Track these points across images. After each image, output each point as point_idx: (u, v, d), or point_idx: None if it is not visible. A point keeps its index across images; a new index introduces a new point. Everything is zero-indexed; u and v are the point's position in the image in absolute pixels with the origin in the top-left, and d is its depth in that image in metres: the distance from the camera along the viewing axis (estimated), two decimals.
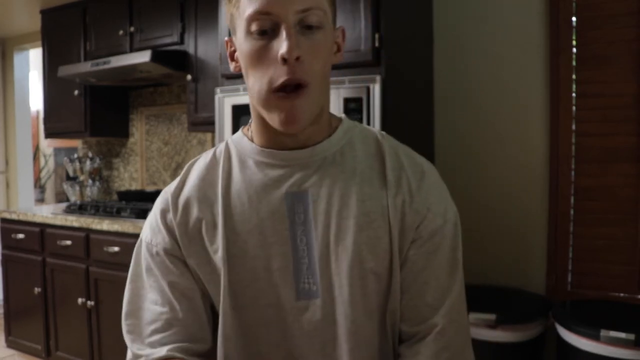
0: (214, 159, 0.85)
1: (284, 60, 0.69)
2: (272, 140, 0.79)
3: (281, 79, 0.70)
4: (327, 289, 0.77)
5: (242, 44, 0.74)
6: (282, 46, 0.69)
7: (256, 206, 0.78)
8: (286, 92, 0.71)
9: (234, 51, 0.80)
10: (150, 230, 0.84)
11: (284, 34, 0.70)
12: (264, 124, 0.79)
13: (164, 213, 0.83)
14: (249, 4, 0.71)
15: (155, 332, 0.79)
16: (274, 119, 0.74)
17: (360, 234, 0.76)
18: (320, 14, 0.72)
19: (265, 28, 0.71)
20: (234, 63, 0.81)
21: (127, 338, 0.82)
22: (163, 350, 0.76)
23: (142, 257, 0.84)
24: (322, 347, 0.78)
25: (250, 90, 0.76)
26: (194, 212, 0.81)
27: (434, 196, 0.80)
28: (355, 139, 0.83)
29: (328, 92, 0.81)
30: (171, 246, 0.81)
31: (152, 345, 0.78)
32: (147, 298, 0.81)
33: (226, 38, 0.82)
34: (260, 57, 0.72)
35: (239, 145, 0.84)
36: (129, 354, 0.81)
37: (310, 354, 0.78)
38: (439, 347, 0.77)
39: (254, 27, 0.71)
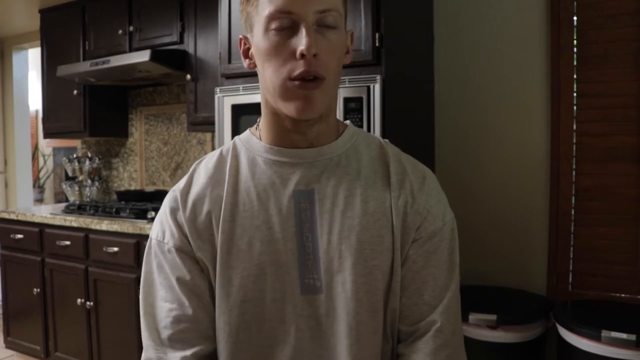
0: (221, 157, 0.87)
1: (302, 55, 0.73)
2: (282, 137, 0.82)
3: (298, 70, 0.74)
4: (330, 285, 0.79)
5: (260, 41, 0.77)
6: (301, 42, 0.73)
7: (265, 203, 0.81)
8: (304, 82, 0.75)
9: (248, 49, 0.83)
10: (161, 228, 0.85)
11: (303, 31, 0.73)
12: (275, 121, 0.82)
13: (173, 211, 0.85)
14: (269, 2, 0.75)
15: (165, 328, 0.80)
16: (290, 107, 0.76)
17: (364, 233, 0.79)
18: (336, 16, 0.77)
19: (285, 26, 0.74)
20: (247, 60, 0.84)
21: (145, 337, 0.83)
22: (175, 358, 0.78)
23: (153, 256, 0.85)
24: (324, 341, 0.80)
25: (266, 84, 0.79)
26: (204, 207, 0.83)
27: (433, 200, 0.84)
28: (360, 144, 0.87)
29: (337, 93, 0.84)
30: (181, 243, 0.83)
31: (164, 344, 0.80)
32: (159, 295, 0.83)
33: (240, 35, 0.84)
34: (278, 52, 0.75)
35: (247, 144, 0.86)
36: (143, 355, 0.83)
37: (312, 348, 0.80)
38: (437, 345, 0.79)
39: (273, 25, 0.75)
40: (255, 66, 0.82)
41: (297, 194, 0.80)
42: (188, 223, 0.83)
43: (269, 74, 0.77)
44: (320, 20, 0.75)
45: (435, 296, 0.81)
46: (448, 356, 0.79)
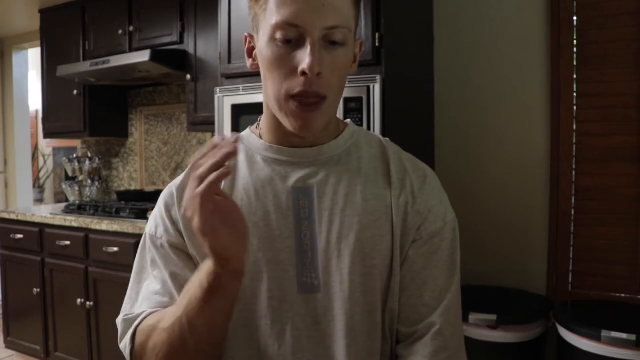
0: None
1: (304, 73, 0.71)
2: (282, 138, 0.82)
3: (298, 89, 0.73)
4: (328, 283, 0.79)
5: (264, 48, 0.75)
6: (304, 60, 0.71)
7: (263, 200, 0.81)
8: (303, 103, 0.73)
9: (253, 48, 0.81)
10: (155, 224, 0.85)
11: (308, 47, 0.71)
12: (275, 122, 0.81)
13: (168, 206, 0.84)
14: (277, 11, 0.72)
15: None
16: (288, 124, 0.77)
17: (364, 232, 0.79)
18: (345, 32, 0.74)
19: (290, 38, 0.72)
20: (251, 60, 0.82)
21: (120, 317, 0.83)
22: (148, 310, 0.78)
23: (147, 250, 0.85)
24: (321, 340, 0.79)
25: (266, 91, 0.79)
26: None
27: (435, 199, 0.83)
28: (361, 142, 0.86)
29: (339, 102, 0.83)
30: (175, 238, 0.82)
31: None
32: (150, 289, 0.82)
33: (246, 33, 0.83)
34: (281, 64, 0.73)
35: (247, 142, 0.86)
36: (119, 326, 0.82)
37: (309, 347, 0.79)
38: (437, 347, 0.78)
39: (279, 36, 0.73)
40: (257, 67, 0.81)
41: (296, 190, 0.80)
42: (183, 219, 0.82)
43: (270, 86, 0.76)
44: (327, 37, 0.72)
45: (435, 297, 0.80)
46: (447, 358, 0.79)
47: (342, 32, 0.73)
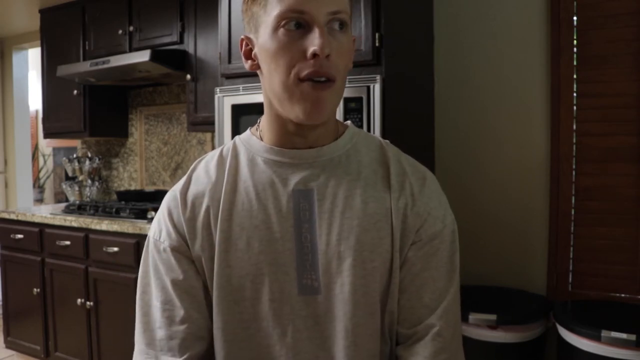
0: (220, 157, 0.87)
1: (314, 55, 0.72)
2: (282, 139, 0.82)
3: (307, 70, 0.73)
4: (328, 286, 0.79)
5: (267, 41, 0.75)
6: (314, 43, 0.72)
7: (264, 202, 0.81)
8: (315, 82, 0.73)
9: (251, 49, 0.81)
10: (158, 228, 0.85)
11: (317, 31, 0.72)
12: (277, 122, 0.81)
13: (171, 210, 0.85)
14: (279, 2, 0.73)
15: (159, 329, 0.81)
16: (297, 110, 0.75)
17: (364, 234, 0.79)
18: (346, 17, 0.76)
19: (295, 26, 0.73)
20: (250, 61, 0.82)
21: (137, 338, 0.83)
22: None
23: (150, 255, 0.86)
24: (321, 342, 0.80)
25: (272, 85, 0.77)
26: (203, 206, 0.83)
27: (434, 201, 0.83)
28: (360, 144, 0.86)
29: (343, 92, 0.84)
30: (178, 243, 0.83)
31: (155, 348, 0.81)
32: (154, 295, 0.83)
33: (242, 36, 0.83)
34: (287, 51, 0.74)
35: (247, 143, 0.86)
36: (136, 352, 0.83)
37: (309, 349, 0.80)
38: (437, 348, 0.78)
39: (284, 24, 0.73)
40: (257, 67, 0.80)
41: (296, 193, 0.80)
42: (187, 222, 0.82)
43: (277, 75, 0.75)
44: (331, 22, 0.74)
45: (435, 299, 0.81)
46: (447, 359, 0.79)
47: (343, 16, 0.75)
